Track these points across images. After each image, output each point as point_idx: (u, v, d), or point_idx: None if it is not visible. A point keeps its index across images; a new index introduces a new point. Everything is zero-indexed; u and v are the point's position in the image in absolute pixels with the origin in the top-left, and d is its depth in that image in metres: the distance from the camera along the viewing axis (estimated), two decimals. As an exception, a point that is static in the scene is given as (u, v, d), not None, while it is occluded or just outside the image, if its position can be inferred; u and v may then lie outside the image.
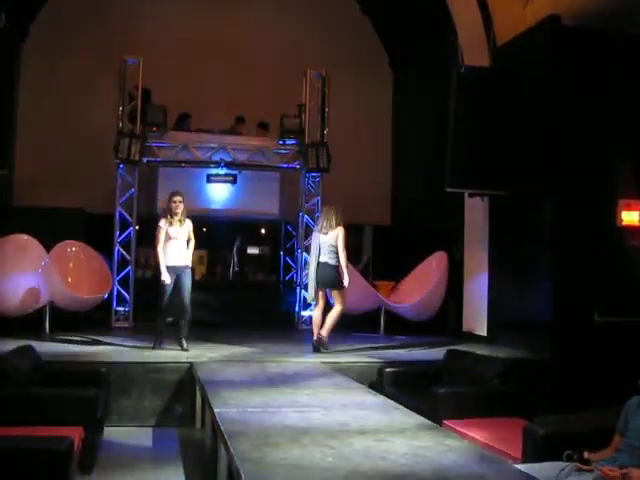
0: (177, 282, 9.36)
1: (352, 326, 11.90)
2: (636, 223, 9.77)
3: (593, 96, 9.57)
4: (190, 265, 9.62)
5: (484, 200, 11.09)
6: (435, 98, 12.53)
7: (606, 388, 7.22)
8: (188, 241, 9.63)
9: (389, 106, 16.40)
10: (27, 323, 10.40)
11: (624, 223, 9.75)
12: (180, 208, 9.46)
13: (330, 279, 9.78)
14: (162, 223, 9.47)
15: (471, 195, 11.13)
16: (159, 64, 12.99)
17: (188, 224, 9.61)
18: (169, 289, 9.36)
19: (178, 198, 9.49)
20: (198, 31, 14.73)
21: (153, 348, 9.40)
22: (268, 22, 15.15)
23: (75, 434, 5.53)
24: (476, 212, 11.49)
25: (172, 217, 9.46)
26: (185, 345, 9.35)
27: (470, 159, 9.89)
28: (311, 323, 12.86)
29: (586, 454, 4.78)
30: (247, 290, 16.06)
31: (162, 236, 9.41)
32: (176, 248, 9.43)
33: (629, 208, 9.76)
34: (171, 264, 9.35)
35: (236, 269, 16.70)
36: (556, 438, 5.28)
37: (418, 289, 11.77)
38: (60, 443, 4.78)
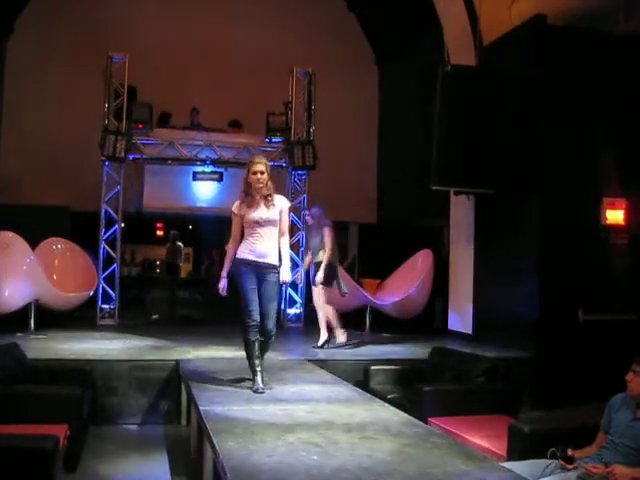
0: (259, 288, 6.71)
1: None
2: (620, 222, 9.82)
3: (579, 95, 9.61)
4: (280, 264, 6.77)
5: (470, 198, 11.12)
6: (421, 96, 12.53)
7: (590, 386, 7.27)
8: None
9: (375, 104, 16.43)
10: (12, 321, 10.36)
11: (608, 222, 9.80)
12: (264, 181, 6.70)
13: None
14: (235, 206, 6.84)
15: (456, 193, 11.16)
16: (145, 62, 12.94)
17: (280, 204, 6.81)
18: (250, 296, 6.67)
19: (259, 167, 6.70)
20: (184, 29, 14.71)
21: (254, 391, 6.44)
22: (255, 19, 15.13)
23: (60, 432, 5.52)
24: (462, 210, 11.51)
25: (252, 195, 6.75)
26: (261, 384, 6.50)
27: (455, 157, 9.89)
28: (297, 321, 12.97)
29: (570, 451, 4.81)
30: (233, 287, 16.01)
31: (236, 225, 6.82)
32: (258, 238, 6.69)
33: (613, 207, 9.81)
34: (247, 257, 6.67)
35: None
36: (541, 435, 5.31)
37: (404, 287, 11.79)
38: (45, 441, 4.77)
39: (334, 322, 10.04)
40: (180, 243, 15.64)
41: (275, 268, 6.72)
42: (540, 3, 9.84)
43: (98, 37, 13.78)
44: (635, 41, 9.73)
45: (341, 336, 10.02)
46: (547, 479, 4.69)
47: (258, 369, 6.60)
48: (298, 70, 13.20)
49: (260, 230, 6.69)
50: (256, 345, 6.68)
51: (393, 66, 15.80)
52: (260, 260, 6.66)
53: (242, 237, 6.82)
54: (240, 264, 6.70)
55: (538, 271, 9.71)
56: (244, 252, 6.70)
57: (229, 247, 6.85)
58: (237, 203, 6.84)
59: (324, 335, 10.01)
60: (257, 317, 6.64)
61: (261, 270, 6.67)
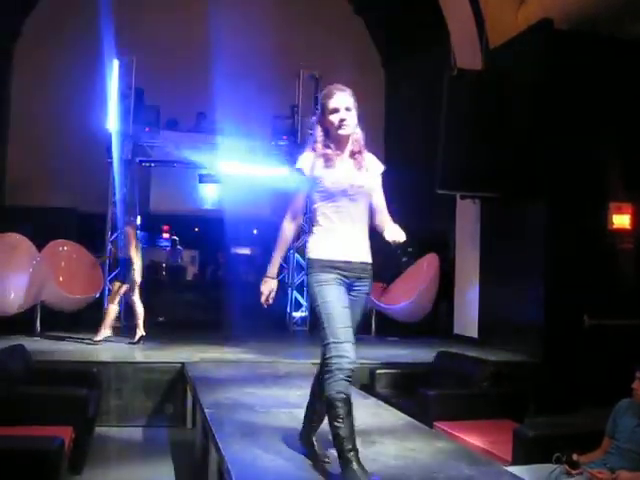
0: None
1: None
2: (627, 226, 9.80)
3: (585, 99, 9.59)
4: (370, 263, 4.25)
5: (475, 202, 11.11)
6: (427, 100, 12.53)
7: (596, 391, 7.27)
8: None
9: (381, 106, 16.40)
10: (18, 322, 10.36)
11: (615, 226, 9.78)
12: (351, 123, 4.19)
13: None
14: (305, 161, 4.18)
15: (462, 197, 11.16)
16: (152, 64, 12.96)
17: (375, 166, 4.42)
18: (343, 320, 3.99)
19: (342, 100, 4.17)
20: (191, 32, 14.70)
21: (324, 461, 4.21)
22: (261, 23, 15.10)
23: (65, 434, 5.52)
24: (467, 214, 11.51)
25: (330, 144, 4.19)
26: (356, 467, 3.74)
27: (462, 161, 9.89)
28: (303, 324, 12.95)
29: (575, 456, 4.81)
30: (238, 290, 16.08)
31: (303, 193, 4.24)
32: (346, 220, 4.16)
33: (620, 211, 9.79)
34: (334, 257, 4.09)
35: None
36: (546, 440, 5.31)
37: (409, 291, 11.78)
38: (50, 443, 4.77)
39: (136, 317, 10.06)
40: (180, 247, 16.18)
41: (370, 269, 4.24)
42: (547, 7, 9.83)
43: (105, 39, 13.80)
44: (641, 45, 9.74)
45: (104, 332, 9.97)
46: (552, 484, 4.69)
47: (349, 449, 3.82)
48: (305, 73, 13.23)
49: (349, 206, 4.15)
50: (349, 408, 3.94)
51: (400, 69, 15.78)
52: (353, 260, 4.13)
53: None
54: (323, 269, 4.06)
55: (544, 275, 9.70)
56: (328, 248, 4.09)
57: (285, 229, 4.29)
58: (308, 156, 4.20)
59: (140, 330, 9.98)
60: (353, 354, 3.92)
61: (352, 275, 4.12)
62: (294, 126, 13.08)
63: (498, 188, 10.10)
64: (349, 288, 4.11)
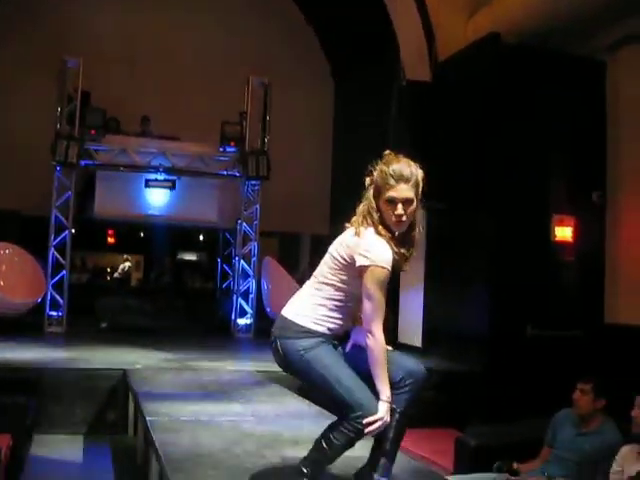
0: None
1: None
2: (569, 239, 9.94)
3: (531, 112, 9.71)
4: None
5: (422, 212, 11.17)
6: (376, 110, 12.59)
7: (537, 400, 7.35)
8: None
9: (330, 116, 16.46)
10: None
11: (557, 238, 9.92)
12: (410, 217, 3.62)
13: None
14: (386, 253, 3.54)
15: (408, 207, 11.20)
16: (99, 67, 12.81)
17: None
18: (352, 374, 3.76)
19: (405, 193, 3.58)
20: (140, 36, 14.60)
21: None
22: (212, 28, 15.08)
23: (3, 442, 5.43)
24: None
25: (388, 227, 3.63)
26: None
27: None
28: (247, 331, 12.92)
29: (515, 465, 4.88)
30: (183, 297, 16.00)
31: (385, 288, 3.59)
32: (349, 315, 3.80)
33: (562, 224, 9.93)
34: (330, 333, 3.72)
35: None
36: (487, 449, 5.37)
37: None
38: (-13, 451, 4.69)
39: None
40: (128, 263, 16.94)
41: None
42: (496, 20, 9.96)
43: (52, 40, 13.62)
44: (588, 62, 9.91)
45: None
46: (492, 493, 4.74)
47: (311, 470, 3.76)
48: (254, 80, 13.24)
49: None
50: None
51: (349, 78, 15.85)
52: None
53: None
54: (318, 336, 3.67)
55: (488, 285, 9.79)
56: (334, 325, 3.71)
57: (383, 339, 3.66)
58: (387, 249, 3.54)
59: None
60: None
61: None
62: (242, 132, 13.06)
63: (445, 199, 10.17)
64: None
